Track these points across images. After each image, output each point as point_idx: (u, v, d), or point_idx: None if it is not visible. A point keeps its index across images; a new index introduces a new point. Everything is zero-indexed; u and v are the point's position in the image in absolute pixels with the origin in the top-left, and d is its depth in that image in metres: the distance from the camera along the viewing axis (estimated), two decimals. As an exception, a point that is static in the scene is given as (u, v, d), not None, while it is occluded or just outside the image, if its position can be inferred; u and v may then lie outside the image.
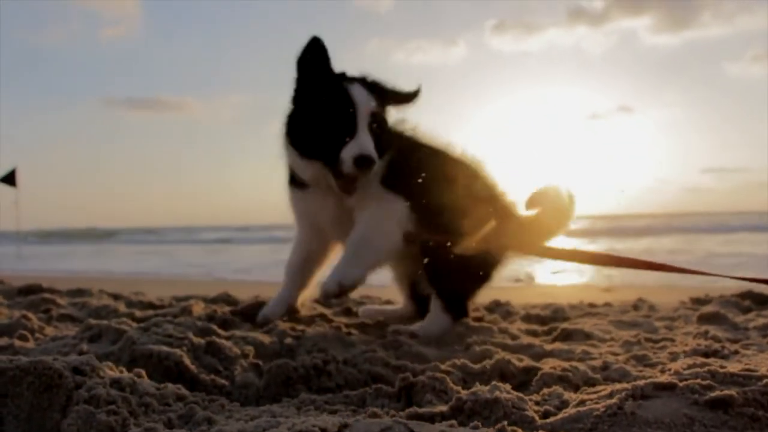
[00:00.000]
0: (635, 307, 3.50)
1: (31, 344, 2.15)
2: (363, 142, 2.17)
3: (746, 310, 3.05)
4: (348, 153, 2.17)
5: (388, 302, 3.48)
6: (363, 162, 2.15)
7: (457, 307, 2.50)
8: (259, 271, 9.28)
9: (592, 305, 3.62)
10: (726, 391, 1.29)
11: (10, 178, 12.52)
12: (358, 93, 2.25)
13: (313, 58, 2.29)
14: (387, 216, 2.34)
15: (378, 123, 2.28)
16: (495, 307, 3.25)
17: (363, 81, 2.33)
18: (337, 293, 2.26)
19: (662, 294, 4.41)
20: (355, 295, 3.80)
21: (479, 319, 2.77)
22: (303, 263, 2.69)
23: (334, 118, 2.22)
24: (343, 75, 2.34)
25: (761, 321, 2.62)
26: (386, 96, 2.37)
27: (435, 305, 2.46)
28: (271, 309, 2.64)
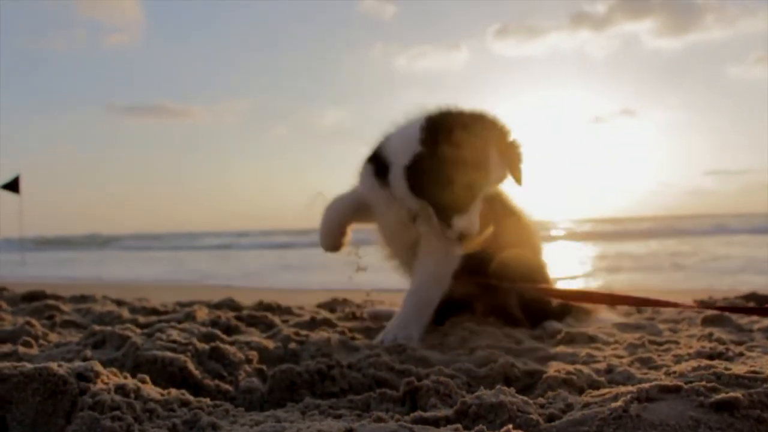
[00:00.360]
0: (639, 309, 3.49)
1: (35, 351, 2.15)
2: (473, 220, 2.37)
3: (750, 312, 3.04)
4: (458, 224, 2.35)
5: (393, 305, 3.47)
6: (465, 238, 2.38)
7: None
8: (263, 276, 9.29)
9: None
10: (731, 394, 1.28)
11: (13, 185, 12.54)
12: (491, 161, 2.37)
13: (449, 131, 2.36)
14: (446, 264, 2.59)
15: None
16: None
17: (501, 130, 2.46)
18: (394, 350, 2.26)
19: (666, 297, 4.38)
20: (358, 299, 3.81)
21: (483, 324, 2.77)
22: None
23: (458, 188, 2.35)
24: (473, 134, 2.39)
25: (766, 323, 2.61)
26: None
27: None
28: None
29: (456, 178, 2.34)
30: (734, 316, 2.78)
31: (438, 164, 2.35)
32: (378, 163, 2.58)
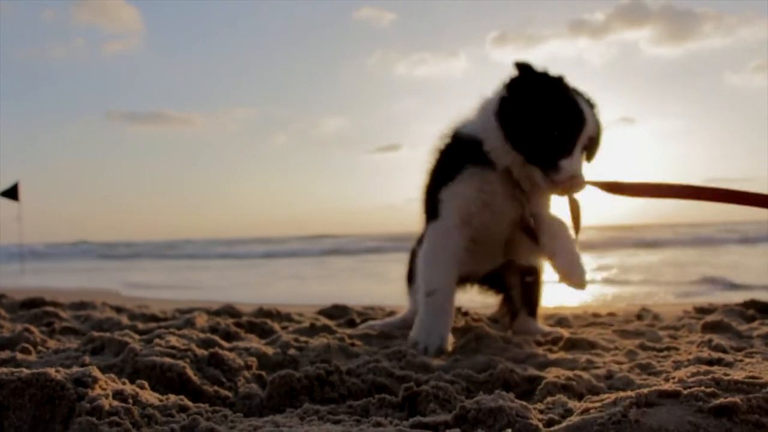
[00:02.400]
0: (639, 316, 3.49)
1: (33, 357, 2.15)
2: (579, 163, 2.30)
3: (750, 319, 3.04)
4: (568, 166, 2.26)
5: (391, 314, 3.47)
6: (576, 183, 2.31)
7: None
8: (263, 286, 9.28)
9: (596, 315, 3.61)
10: (730, 399, 1.28)
11: (12, 192, 12.55)
12: (588, 112, 2.31)
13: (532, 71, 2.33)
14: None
15: (588, 148, 2.39)
16: (499, 318, 3.24)
17: (586, 99, 2.39)
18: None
19: (664, 308, 4.40)
20: (358, 305, 3.81)
21: (483, 330, 2.77)
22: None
23: (562, 128, 2.26)
24: (566, 83, 2.36)
25: (765, 329, 2.61)
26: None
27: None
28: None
29: (553, 118, 2.26)
30: (734, 323, 2.77)
31: (533, 104, 2.28)
32: (466, 150, 2.44)
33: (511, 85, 2.35)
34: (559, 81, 2.33)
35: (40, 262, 18.59)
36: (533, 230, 2.43)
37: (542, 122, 2.27)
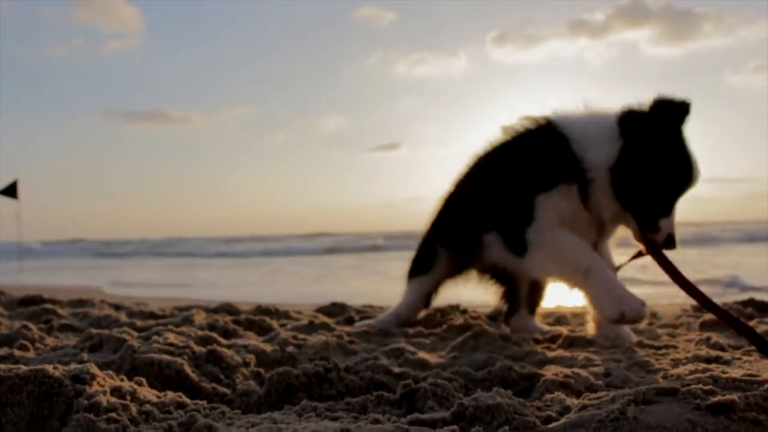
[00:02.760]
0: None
1: (31, 354, 2.14)
2: (674, 220, 2.24)
3: (749, 318, 3.04)
4: (667, 227, 2.22)
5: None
6: (671, 244, 2.24)
7: None
8: (262, 284, 9.27)
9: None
10: (728, 396, 1.28)
11: (11, 190, 12.54)
12: (698, 175, 2.24)
13: (675, 119, 2.23)
14: None
15: None
16: (497, 315, 3.24)
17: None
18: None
19: (664, 307, 4.40)
20: (356, 303, 3.81)
21: (482, 328, 2.77)
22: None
23: (675, 189, 2.22)
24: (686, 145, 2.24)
25: (763, 328, 2.61)
26: None
27: None
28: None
29: (671, 179, 2.20)
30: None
31: (650, 163, 2.19)
32: (568, 162, 2.32)
33: (632, 133, 2.23)
34: (680, 131, 2.22)
35: (33, 260, 18.52)
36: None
37: (658, 183, 2.21)
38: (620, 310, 2.11)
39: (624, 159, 2.23)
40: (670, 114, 2.22)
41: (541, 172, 2.38)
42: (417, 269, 3.00)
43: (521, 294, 2.91)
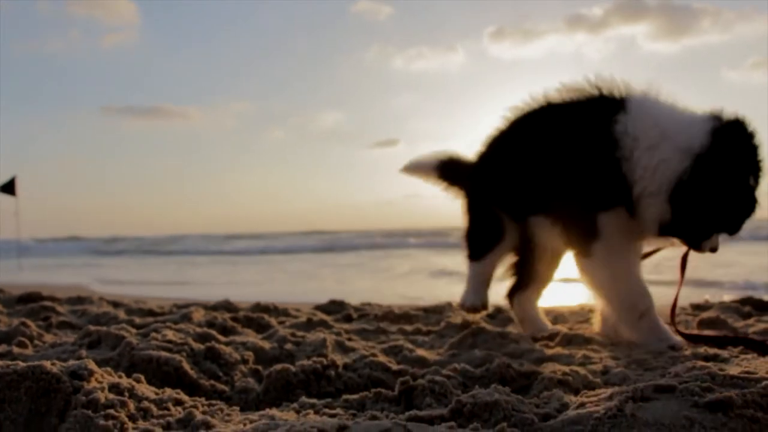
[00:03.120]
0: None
1: (29, 351, 2.14)
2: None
3: (746, 316, 3.05)
4: (709, 245, 2.14)
5: (389, 309, 3.47)
6: (714, 251, 2.18)
7: None
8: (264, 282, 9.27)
9: (592, 311, 3.61)
10: (726, 393, 1.29)
11: (9, 187, 12.52)
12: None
13: (747, 151, 2.06)
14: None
15: None
16: (496, 313, 3.25)
17: None
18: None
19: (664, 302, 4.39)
20: (356, 301, 3.81)
21: (480, 326, 2.77)
22: None
23: (733, 219, 2.11)
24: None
25: (761, 326, 2.62)
26: None
27: None
28: None
29: (733, 212, 2.08)
30: (730, 320, 2.78)
31: (718, 196, 2.02)
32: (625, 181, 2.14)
33: (702, 163, 2.01)
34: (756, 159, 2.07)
35: (27, 258, 18.45)
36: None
37: (720, 216, 2.08)
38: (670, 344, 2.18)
39: (687, 194, 2.04)
40: (748, 137, 2.06)
41: (601, 181, 2.20)
42: (482, 246, 2.67)
43: (534, 271, 2.71)
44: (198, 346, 1.98)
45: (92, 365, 1.51)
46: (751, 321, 2.84)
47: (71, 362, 1.53)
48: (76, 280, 9.86)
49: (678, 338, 2.24)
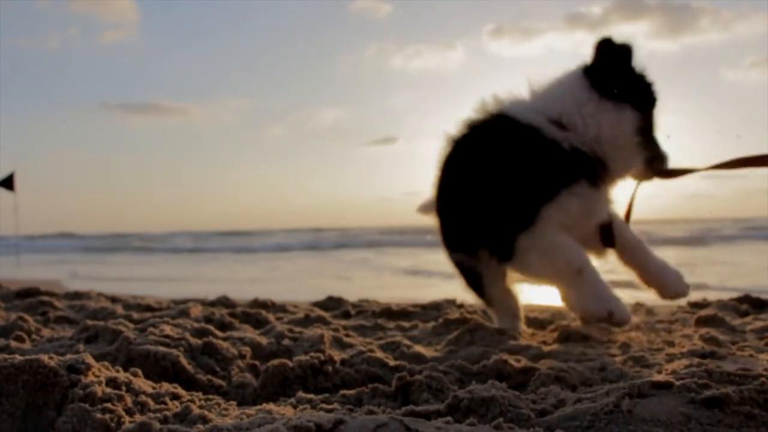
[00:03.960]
0: (633, 310, 3.50)
1: (27, 345, 2.14)
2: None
3: (744, 314, 3.05)
4: (667, 153, 2.36)
5: (386, 307, 3.47)
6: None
7: None
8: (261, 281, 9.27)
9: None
10: (722, 390, 1.29)
11: (8, 182, 12.49)
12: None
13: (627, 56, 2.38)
14: None
15: None
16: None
17: None
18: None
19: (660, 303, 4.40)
20: (354, 297, 3.81)
21: (478, 322, 2.77)
22: None
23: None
24: None
25: (758, 324, 2.62)
26: None
27: None
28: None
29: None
30: (727, 318, 2.78)
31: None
32: (571, 161, 2.26)
33: (596, 72, 2.34)
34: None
35: (13, 254, 18.35)
36: (609, 235, 2.43)
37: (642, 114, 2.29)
38: (609, 308, 2.17)
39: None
40: (622, 51, 2.32)
41: (539, 178, 2.26)
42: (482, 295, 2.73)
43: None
44: (195, 341, 1.98)
45: (90, 359, 1.51)
46: (748, 319, 2.84)
47: (69, 356, 1.53)
48: (45, 276, 9.79)
49: (622, 307, 2.19)
